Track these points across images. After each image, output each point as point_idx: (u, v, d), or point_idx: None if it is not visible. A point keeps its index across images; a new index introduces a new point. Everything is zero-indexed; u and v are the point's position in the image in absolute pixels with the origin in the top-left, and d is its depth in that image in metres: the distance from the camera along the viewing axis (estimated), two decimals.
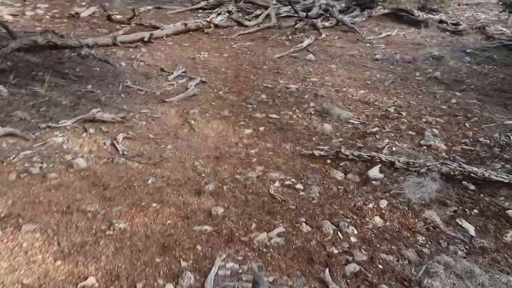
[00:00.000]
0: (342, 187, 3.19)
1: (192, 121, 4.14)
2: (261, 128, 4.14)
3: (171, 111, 4.38)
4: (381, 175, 3.32)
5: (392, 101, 5.16)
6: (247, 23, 9.41)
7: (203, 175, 3.24)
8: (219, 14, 9.87)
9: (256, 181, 3.20)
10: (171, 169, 3.29)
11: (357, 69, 6.54)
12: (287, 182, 3.21)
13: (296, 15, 10.14)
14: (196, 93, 4.84)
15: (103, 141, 3.61)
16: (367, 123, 4.45)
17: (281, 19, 10.15)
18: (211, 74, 5.72)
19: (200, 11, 10.52)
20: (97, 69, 5.30)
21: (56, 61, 5.36)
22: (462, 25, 10.63)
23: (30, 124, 3.72)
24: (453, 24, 10.66)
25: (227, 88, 5.22)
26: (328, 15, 10.36)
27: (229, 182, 3.17)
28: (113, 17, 8.36)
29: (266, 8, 10.85)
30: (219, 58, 6.55)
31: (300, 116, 4.51)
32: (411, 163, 3.40)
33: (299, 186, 3.18)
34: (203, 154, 3.53)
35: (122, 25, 7.58)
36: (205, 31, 8.31)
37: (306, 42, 7.91)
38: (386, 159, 3.47)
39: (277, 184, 3.18)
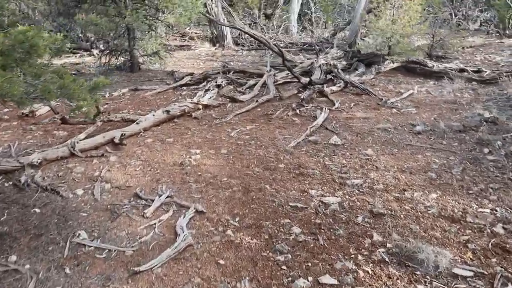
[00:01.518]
0: None
1: None
2: None
3: None
4: None
5: (488, 210, 3.40)
6: (242, 97, 7.87)
7: None
8: (207, 90, 8.36)
9: None
10: None
11: (403, 152, 4.85)
12: None
13: (296, 80, 8.70)
14: (191, 242, 3.01)
15: None
16: (483, 270, 2.63)
17: (280, 88, 8.68)
18: (210, 192, 3.94)
19: (185, 88, 9.02)
20: (37, 210, 3.47)
21: None
22: (485, 71, 9.30)
23: None
24: (474, 71, 9.32)
25: (237, 219, 3.41)
26: (332, 76, 8.93)
27: None
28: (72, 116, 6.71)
29: (259, 76, 9.43)
30: (217, 159, 4.82)
31: (369, 271, 2.68)
32: None
33: None
34: None
35: (87, 124, 5.88)
36: (193, 116, 6.69)
37: (321, 117, 6.30)
38: None
39: None
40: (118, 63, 10.86)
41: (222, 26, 16.14)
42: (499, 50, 12.29)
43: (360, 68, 10.12)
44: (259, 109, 7.23)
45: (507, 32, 15.58)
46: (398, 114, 6.62)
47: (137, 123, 5.82)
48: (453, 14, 17.37)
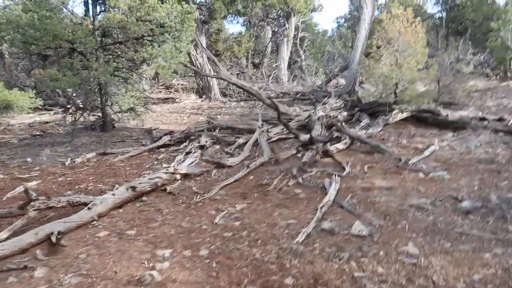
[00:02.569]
0: None
1: None
2: None
3: None
4: None
5: None
6: (230, 161, 6.49)
7: None
8: (188, 153, 6.98)
9: None
10: None
11: (459, 249, 3.40)
12: None
13: (293, 137, 7.40)
14: None
15: None
16: None
17: (274, 146, 7.35)
18: None
19: (163, 150, 7.63)
20: None
21: None
22: (507, 119, 8.14)
23: None
24: (496, 120, 8.15)
25: None
26: (335, 131, 7.66)
27: None
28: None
29: (250, 132, 8.13)
30: (193, 269, 3.31)
31: None
32: None
33: None
34: None
35: (13, 216, 4.31)
36: (167, 190, 5.23)
37: (332, 189, 4.89)
38: None
39: None
40: (88, 121, 9.52)
41: (209, 77, 15.14)
42: (510, 94, 11.30)
43: (364, 119, 8.91)
44: (251, 177, 5.82)
45: (509, 74, 14.79)
46: (428, 181, 5.24)
47: (89, 208, 4.32)
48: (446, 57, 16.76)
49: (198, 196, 5.05)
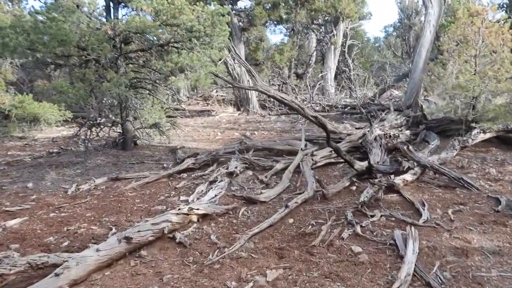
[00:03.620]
0: None
1: None
2: None
3: None
4: None
5: None
6: (263, 195, 5.07)
7: None
8: (212, 182, 5.63)
9: None
10: None
11: None
12: None
13: (344, 162, 5.86)
14: None
15: None
16: None
17: (321, 173, 5.86)
18: None
19: (185, 175, 6.35)
20: None
21: None
22: None
23: None
24: None
25: None
26: (400, 157, 6.01)
27: None
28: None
29: (290, 154, 6.69)
30: None
31: None
32: None
33: None
34: None
35: None
36: (177, 239, 3.89)
37: (409, 253, 3.29)
38: None
39: None
40: (110, 138, 8.49)
41: (247, 89, 13.91)
42: None
43: (432, 140, 7.17)
44: (291, 220, 4.35)
45: None
46: None
47: (56, 275, 3.03)
48: None
49: (217, 252, 3.65)
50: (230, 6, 12.42)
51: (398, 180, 5.07)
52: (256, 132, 10.53)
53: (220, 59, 8.77)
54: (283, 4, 13.02)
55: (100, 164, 7.31)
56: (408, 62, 21.14)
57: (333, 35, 14.44)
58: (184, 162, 6.60)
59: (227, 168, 6.02)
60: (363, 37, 19.72)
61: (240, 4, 13.97)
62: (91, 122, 7.15)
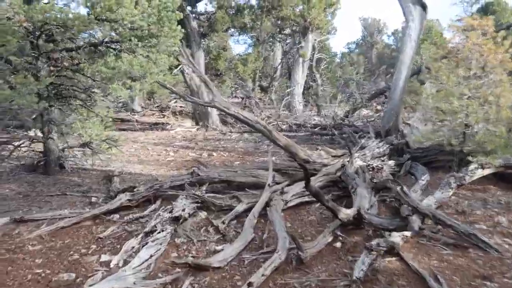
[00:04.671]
0: None
1: None
2: None
3: None
4: None
5: None
6: (218, 257, 3.67)
7: None
8: (148, 234, 4.15)
9: None
10: None
11: None
12: None
13: (327, 209, 4.59)
14: None
15: None
16: None
17: (294, 218, 4.58)
18: None
19: (116, 217, 4.80)
20: None
21: None
22: None
23: None
24: None
25: None
26: (396, 199, 4.81)
27: None
28: None
29: (255, 187, 5.38)
30: None
31: None
32: None
33: None
34: None
35: None
36: None
37: None
38: None
39: None
40: (28, 157, 6.76)
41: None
42: None
43: (421, 174, 6.08)
44: None
45: None
46: None
47: None
48: None
49: None
50: (189, 8, 11.01)
51: (396, 237, 3.84)
52: (214, 153, 9.10)
53: (173, 67, 7.30)
54: (247, 10, 11.78)
55: (7, 195, 5.58)
56: (373, 79, 20.63)
57: (301, 46, 13.39)
58: (117, 198, 5.05)
59: (171, 211, 4.54)
60: (330, 51, 18.92)
61: (201, 7, 12.65)
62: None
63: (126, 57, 5.77)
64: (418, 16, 8.32)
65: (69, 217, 4.75)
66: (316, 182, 5.50)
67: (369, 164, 6.03)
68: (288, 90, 13.75)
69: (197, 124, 14.47)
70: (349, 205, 4.96)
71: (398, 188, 4.66)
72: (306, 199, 5.28)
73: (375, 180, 5.46)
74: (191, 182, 5.38)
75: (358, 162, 6.04)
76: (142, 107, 21.25)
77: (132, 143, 10.55)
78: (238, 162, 8.09)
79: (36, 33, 5.64)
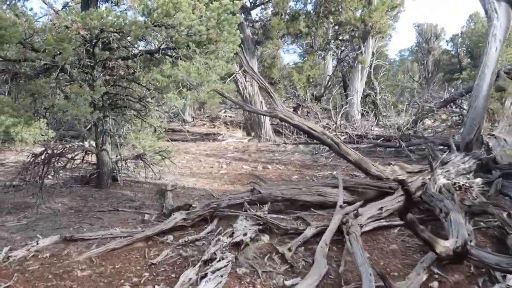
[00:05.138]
0: None
1: None
2: None
3: None
4: None
5: None
6: None
7: None
8: (207, 262, 3.63)
9: None
10: None
11: None
12: None
13: (405, 227, 3.86)
14: None
15: None
16: None
17: (370, 244, 3.87)
18: None
19: (170, 238, 4.35)
20: None
21: None
22: None
23: None
24: None
25: None
26: (503, 228, 3.97)
27: None
28: None
29: (321, 207, 4.73)
30: None
31: None
32: None
33: None
34: None
35: None
36: None
37: None
38: None
39: None
40: (78, 169, 6.58)
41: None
42: None
43: None
44: None
45: None
46: None
47: None
48: None
49: None
50: (243, 15, 10.65)
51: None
52: (269, 166, 8.54)
53: (230, 75, 6.88)
54: (303, 16, 11.21)
55: (59, 210, 5.34)
56: (431, 87, 19.19)
57: (361, 52, 12.57)
58: (171, 217, 4.61)
59: (231, 235, 4.01)
60: (387, 58, 17.78)
61: (254, 14, 12.22)
62: (49, 152, 5.23)
63: (182, 65, 5.39)
64: (504, 13, 7.32)
65: (121, 237, 4.38)
66: (394, 203, 4.76)
67: (456, 182, 5.17)
68: (348, 98, 12.92)
69: (248, 134, 14.05)
70: (435, 231, 4.20)
71: (504, 214, 3.81)
72: (384, 223, 4.55)
73: (467, 203, 4.61)
74: (251, 200, 4.84)
75: (442, 180, 5.20)
76: (193, 117, 21.31)
77: (184, 154, 10.28)
78: (296, 177, 7.47)
79: (93, 41, 5.42)
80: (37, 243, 4.20)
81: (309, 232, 4.24)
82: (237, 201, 4.81)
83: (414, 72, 39.16)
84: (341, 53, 16.05)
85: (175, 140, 12.65)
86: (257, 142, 11.96)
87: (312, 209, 5.02)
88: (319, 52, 14.67)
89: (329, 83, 16.41)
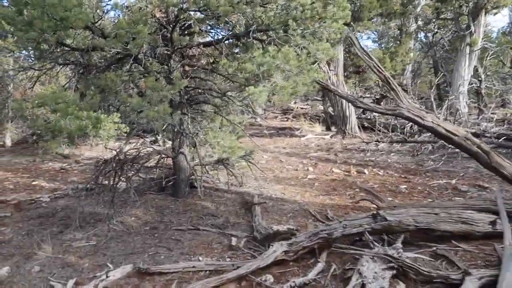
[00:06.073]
0: None
1: None
2: None
3: None
4: None
5: None
6: None
7: None
8: None
9: None
10: None
11: None
12: None
13: None
14: None
15: None
16: None
17: None
18: None
19: (269, 279, 3.28)
20: None
21: None
22: None
23: None
24: None
25: None
26: None
27: None
28: None
29: (466, 239, 3.34)
30: None
31: None
32: None
33: None
34: None
35: None
36: None
37: None
38: None
39: None
40: (152, 171, 5.80)
41: (343, 103, 10.62)
42: None
43: None
44: None
45: None
46: None
47: None
48: None
49: None
50: None
51: None
52: (365, 170, 7.21)
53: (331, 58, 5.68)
54: None
55: (132, 226, 4.54)
56: None
57: (471, 32, 10.52)
58: (270, 250, 3.55)
59: (363, 286, 2.84)
60: (493, 39, 15.12)
61: None
62: (121, 157, 4.44)
63: (275, 49, 4.27)
64: None
65: (206, 270, 3.43)
66: None
67: None
68: (452, 87, 10.93)
69: (328, 129, 12.72)
70: None
71: None
72: None
73: None
74: (373, 229, 3.62)
75: None
76: (264, 109, 20.32)
77: (262, 152, 9.27)
78: (404, 186, 6.08)
79: (171, 24, 4.50)
80: (107, 276, 3.38)
81: (470, 284, 2.93)
82: (354, 231, 3.62)
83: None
84: (433, 36, 13.98)
85: (250, 136, 11.74)
86: (341, 139, 10.61)
87: (453, 241, 3.70)
88: (414, 35, 12.79)
89: (418, 70, 14.43)
